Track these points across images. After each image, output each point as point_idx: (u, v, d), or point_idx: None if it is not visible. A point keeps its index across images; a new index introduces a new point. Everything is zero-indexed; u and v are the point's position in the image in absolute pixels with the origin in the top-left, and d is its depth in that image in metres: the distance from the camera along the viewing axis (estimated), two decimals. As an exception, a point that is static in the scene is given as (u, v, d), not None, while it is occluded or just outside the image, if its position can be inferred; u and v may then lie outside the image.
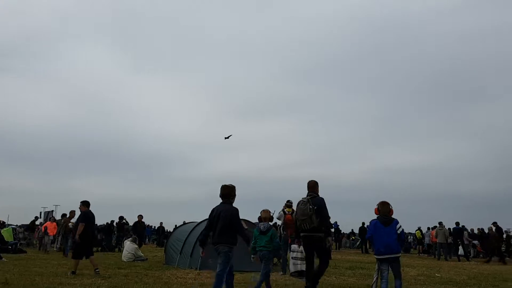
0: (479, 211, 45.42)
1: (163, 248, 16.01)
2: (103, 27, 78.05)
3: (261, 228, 7.87)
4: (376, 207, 7.21)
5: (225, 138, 27.84)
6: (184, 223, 16.17)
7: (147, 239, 28.05)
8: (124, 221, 22.51)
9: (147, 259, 15.18)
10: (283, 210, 11.89)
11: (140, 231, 19.97)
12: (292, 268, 9.53)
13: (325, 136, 76.01)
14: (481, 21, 64.54)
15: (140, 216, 20.52)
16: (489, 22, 64.09)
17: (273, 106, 77.96)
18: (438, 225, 21.72)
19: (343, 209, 54.07)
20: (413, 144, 68.32)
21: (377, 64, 74.21)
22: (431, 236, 23.98)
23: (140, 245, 17.39)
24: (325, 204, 7.69)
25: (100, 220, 31.47)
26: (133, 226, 20.69)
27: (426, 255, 24.83)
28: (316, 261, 7.86)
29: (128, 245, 15.21)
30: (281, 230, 12.01)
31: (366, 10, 74.25)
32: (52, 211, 34.58)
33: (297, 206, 7.91)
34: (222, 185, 6.94)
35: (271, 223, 8.39)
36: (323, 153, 74.04)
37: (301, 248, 8.55)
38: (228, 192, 6.90)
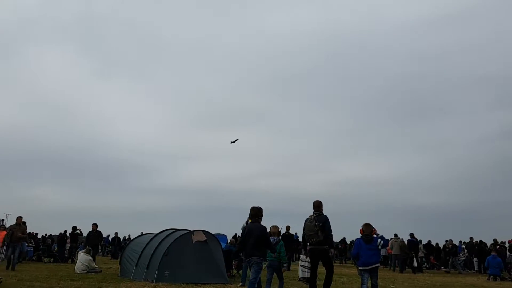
0: (432, 224, 46.89)
1: (118, 260, 15.51)
2: (65, 29, 75.77)
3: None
4: (361, 228, 8.93)
5: (231, 142, 27.13)
6: (142, 234, 15.74)
7: (100, 249, 26.77)
8: (77, 231, 21.62)
9: (101, 271, 14.64)
10: (246, 222, 11.87)
11: (94, 240, 19.03)
12: (300, 274, 10.72)
13: (285, 148, 76.58)
14: (440, 40, 67.52)
15: (95, 225, 19.62)
16: (448, 42, 67.15)
17: (235, 116, 77.87)
18: (393, 237, 22.25)
19: (303, 220, 54.31)
20: (371, 158, 70.03)
21: (337, 79, 75.96)
22: (386, 248, 24.51)
23: (94, 256, 16.77)
24: (328, 221, 8.89)
25: (53, 230, 30.28)
26: (87, 236, 19.81)
27: (382, 266, 25.34)
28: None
29: (82, 256, 14.63)
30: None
31: (329, 26, 75.98)
32: (3, 219, 32.91)
33: (304, 222, 9.07)
34: (252, 207, 8.07)
35: (279, 237, 10.05)
36: (282, 165, 74.51)
37: (308, 258, 9.52)
38: (256, 213, 8.03)
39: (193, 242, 11.50)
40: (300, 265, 11.57)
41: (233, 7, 78.65)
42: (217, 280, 11.25)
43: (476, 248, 23.50)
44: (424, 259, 23.98)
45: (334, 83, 75.98)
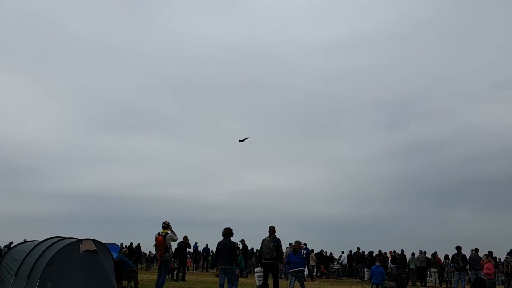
0: (327, 234, 49.57)
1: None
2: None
3: None
4: (293, 243, 12.62)
5: (240, 140, 25.78)
6: (25, 241, 14.49)
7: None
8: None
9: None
10: (158, 233, 12.01)
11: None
12: (257, 283, 13.18)
13: (194, 155, 75.69)
14: (342, 63, 72.31)
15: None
16: (349, 65, 72.12)
17: (142, 120, 75.04)
18: (288, 246, 23.11)
19: (210, 229, 53.93)
20: (278, 169, 72.15)
21: (250, 91, 77.46)
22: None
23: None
24: (280, 243, 11.83)
25: None
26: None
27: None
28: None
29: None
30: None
31: (246, 38, 77.19)
32: None
33: (262, 242, 11.91)
34: (224, 228, 10.55)
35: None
36: (189, 172, 73.31)
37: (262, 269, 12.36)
38: (228, 233, 10.53)
39: (81, 251, 10.88)
40: (257, 276, 14.58)
41: (147, 7, 76.50)
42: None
43: (367, 258, 25.45)
44: (315, 268, 25.29)
45: (246, 94, 77.28)
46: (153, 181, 69.54)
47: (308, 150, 72.97)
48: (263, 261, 11.87)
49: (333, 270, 26.16)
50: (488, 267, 16.67)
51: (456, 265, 18.05)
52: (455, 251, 19.27)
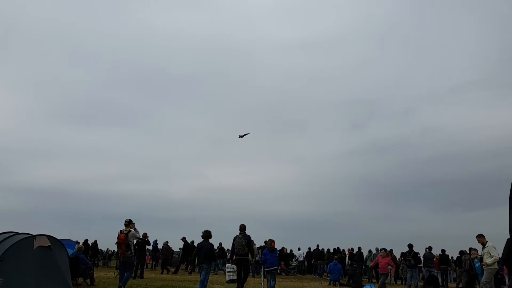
0: (290, 231, 50.01)
1: None
2: None
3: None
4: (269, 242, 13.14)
5: (240, 136, 24.90)
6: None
7: None
8: None
9: None
10: (120, 231, 11.96)
11: None
12: (227, 278, 13.90)
13: (157, 151, 74.17)
14: (310, 63, 73.22)
15: None
16: (317, 66, 73.08)
17: (102, 113, 72.86)
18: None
19: (173, 226, 53.24)
20: (242, 166, 72.04)
21: (214, 86, 76.81)
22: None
23: None
24: (251, 239, 13.14)
25: None
26: None
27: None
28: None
29: None
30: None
31: (213, 33, 76.41)
32: None
33: (234, 239, 12.98)
34: (204, 230, 11.75)
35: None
36: (149, 168, 71.89)
37: (233, 265, 13.19)
38: (207, 235, 11.73)
39: (35, 247, 10.44)
40: (227, 271, 15.38)
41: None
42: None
43: (326, 255, 25.92)
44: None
45: (213, 90, 76.66)
46: (112, 176, 67.92)
47: (273, 148, 73.45)
48: (235, 257, 12.84)
49: (291, 267, 26.47)
50: (385, 262, 16.41)
51: (407, 262, 18.64)
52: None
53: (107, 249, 37.44)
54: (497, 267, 12.55)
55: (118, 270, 17.46)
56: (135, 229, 11.78)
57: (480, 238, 12.54)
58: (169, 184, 69.20)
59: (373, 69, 73.79)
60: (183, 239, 23.80)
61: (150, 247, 26.00)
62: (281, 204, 62.71)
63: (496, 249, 12.18)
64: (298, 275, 26.65)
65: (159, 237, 30.16)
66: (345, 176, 66.06)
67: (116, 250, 17.37)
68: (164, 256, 24.79)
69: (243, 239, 12.69)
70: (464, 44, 69.21)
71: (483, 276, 12.61)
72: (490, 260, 12.13)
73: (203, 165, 73.00)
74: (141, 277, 17.70)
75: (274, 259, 12.59)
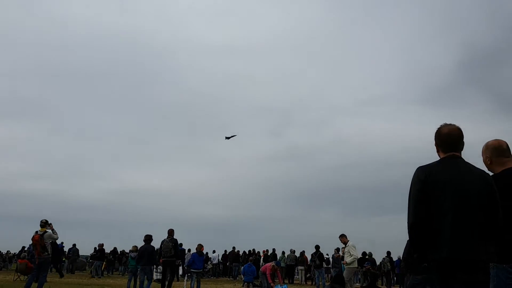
0: (208, 234, 49.87)
1: None
2: None
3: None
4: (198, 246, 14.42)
5: (227, 138, 24.94)
6: None
7: None
8: None
9: None
10: (36, 231, 11.45)
11: None
12: (155, 277, 14.30)
13: (62, 148, 69.56)
14: (237, 67, 73.95)
15: None
16: (243, 70, 74.00)
17: (3, 106, 66.77)
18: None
19: (81, 228, 50.08)
20: (159, 168, 70.31)
21: (133, 84, 74.43)
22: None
23: None
24: (178, 243, 14.19)
25: None
26: None
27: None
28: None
29: None
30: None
31: (132, 30, 73.91)
32: None
33: (162, 242, 13.73)
34: (145, 235, 13.03)
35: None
36: (57, 166, 67.28)
37: (160, 267, 14.03)
38: (148, 239, 12.98)
39: None
40: (155, 272, 16.11)
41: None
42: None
43: (241, 257, 26.22)
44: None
45: (130, 87, 74.11)
46: (12, 174, 62.77)
47: (193, 150, 72.83)
48: (162, 259, 13.71)
49: (206, 270, 26.35)
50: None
51: (313, 263, 19.35)
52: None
53: (8, 251, 34.81)
54: (356, 265, 13.03)
55: (18, 273, 16.51)
56: (53, 230, 11.36)
57: (342, 238, 12.99)
58: (77, 184, 65.25)
59: (293, 79, 76.63)
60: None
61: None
62: (199, 207, 62.48)
63: (355, 248, 12.77)
64: (213, 277, 26.64)
65: (65, 239, 28.35)
66: (263, 180, 67.60)
67: (16, 252, 16.57)
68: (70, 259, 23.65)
69: (170, 243, 13.55)
70: (374, 62, 74.61)
71: (344, 274, 12.84)
72: (349, 259, 12.60)
73: (117, 165, 70.30)
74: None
75: (201, 262, 14.13)
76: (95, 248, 25.41)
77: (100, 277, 21.04)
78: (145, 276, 12.89)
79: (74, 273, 20.72)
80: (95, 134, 71.56)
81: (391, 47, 74.80)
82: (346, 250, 12.89)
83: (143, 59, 74.43)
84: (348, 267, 12.70)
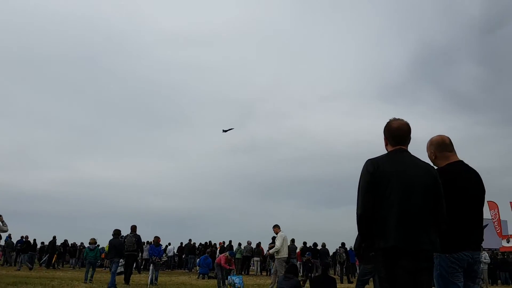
0: (166, 227, 49.06)
1: None
2: None
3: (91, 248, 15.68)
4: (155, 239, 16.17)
5: (224, 131, 25.82)
6: None
7: None
8: None
9: None
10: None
11: None
12: (118, 270, 14.31)
13: (9, 136, 65.20)
14: (195, 56, 72.97)
15: None
16: (201, 59, 73.05)
17: None
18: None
19: (31, 220, 47.58)
20: (110, 159, 68.19)
21: (84, 72, 71.77)
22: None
23: None
24: (140, 238, 15.11)
25: None
26: None
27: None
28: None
29: None
30: None
31: (93, 16, 70.92)
32: None
33: (125, 237, 14.70)
34: (114, 229, 14.28)
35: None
36: (3, 156, 63.13)
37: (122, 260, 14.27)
38: (117, 233, 14.29)
39: None
40: (119, 265, 16.46)
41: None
42: None
43: (197, 249, 26.19)
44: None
45: (82, 73, 71.31)
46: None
47: (149, 142, 71.47)
48: (125, 253, 14.34)
49: (161, 262, 25.98)
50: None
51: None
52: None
53: None
54: (285, 256, 12.74)
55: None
56: (2, 221, 10.68)
57: (275, 228, 13.05)
58: (26, 174, 61.90)
59: (254, 71, 76.64)
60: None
61: (2, 243, 23.50)
62: (155, 199, 61.48)
63: (283, 239, 12.54)
64: (167, 270, 26.40)
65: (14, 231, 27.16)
66: (223, 172, 67.40)
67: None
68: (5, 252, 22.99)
69: (133, 238, 14.62)
70: (334, 57, 76.00)
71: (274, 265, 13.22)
72: (272, 250, 12.89)
73: (68, 155, 67.70)
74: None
75: (158, 252, 15.35)
76: (18, 240, 25.23)
77: (31, 269, 20.33)
78: (116, 268, 13.54)
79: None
80: (41, 122, 67.96)
81: (351, 43, 76.70)
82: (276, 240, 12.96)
83: (98, 46, 71.91)
84: (277, 258, 12.58)
